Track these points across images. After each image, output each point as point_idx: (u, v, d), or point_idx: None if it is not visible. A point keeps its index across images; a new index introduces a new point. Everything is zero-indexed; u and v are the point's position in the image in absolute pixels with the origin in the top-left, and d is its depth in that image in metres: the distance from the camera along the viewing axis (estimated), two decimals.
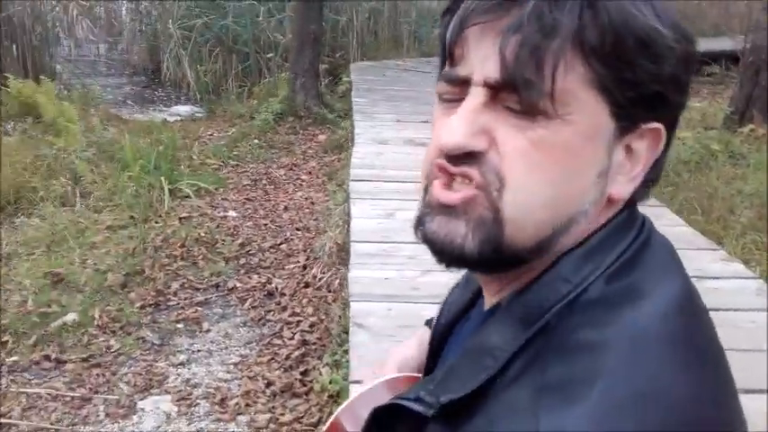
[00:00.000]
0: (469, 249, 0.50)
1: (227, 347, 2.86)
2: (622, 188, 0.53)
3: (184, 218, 4.06)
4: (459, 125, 0.50)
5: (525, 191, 0.49)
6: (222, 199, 4.47)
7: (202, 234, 3.81)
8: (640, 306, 0.49)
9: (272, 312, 3.11)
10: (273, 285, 3.32)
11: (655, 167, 0.54)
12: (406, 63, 8.38)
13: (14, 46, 6.45)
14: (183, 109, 7.31)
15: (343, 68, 8.14)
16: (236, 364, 2.72)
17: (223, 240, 3.79)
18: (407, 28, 9.82)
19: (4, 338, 2.80)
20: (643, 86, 0.50)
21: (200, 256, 3.58)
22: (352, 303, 2.27)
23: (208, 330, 2.98)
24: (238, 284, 3.35)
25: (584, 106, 0.49)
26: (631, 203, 0.55)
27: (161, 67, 8.07)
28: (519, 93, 0.48)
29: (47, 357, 2.70)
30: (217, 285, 3.35)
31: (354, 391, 0.83)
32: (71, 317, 2.95)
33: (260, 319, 3.06)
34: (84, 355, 2.72)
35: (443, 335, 0.71)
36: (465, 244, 0.50)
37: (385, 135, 4.65)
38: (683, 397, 0.46)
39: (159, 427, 2.34)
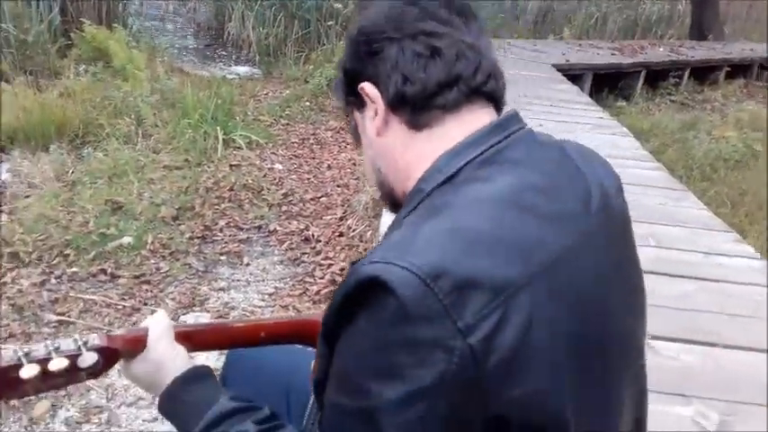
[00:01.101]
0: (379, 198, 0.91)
1: (263, 280, 3.12)
2: (374, 125, 0.86)
3: (234, 165, 4.34)
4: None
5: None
6: (271, 153, 4.74)
7: (250, 181, 4.08)
8: (483, 185, 0.74)
9: (306, 255, 3.36)
10: (310, 232, 3.57)
11: (386, 95, 0.83)
12: None
13: None
14: (242, 69, 7.60)
15: None
16: (270, 294, 2.98)
17: (268, 188, 4.05)
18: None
19: (67, 251, 3.11)
20: (343, 86, 0.90)
21: (246, 200, 3.86)
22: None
23: (248, 264, 3.25)
24: (278, 228, 3.61)
25: (355, 119, 0.91)
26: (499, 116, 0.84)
27: (225, 27, 8.36)
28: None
29: (103, 271, 3.01)
30: (259, 227, 3.62)
31: None
32: (127, 240, 3.25)
33: (295, 260, 3.32)
34: (137, 273, 3.02)
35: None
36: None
37: None
38: (477, 239, 0.69)
39: None
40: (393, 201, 0.88)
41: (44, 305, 2.72)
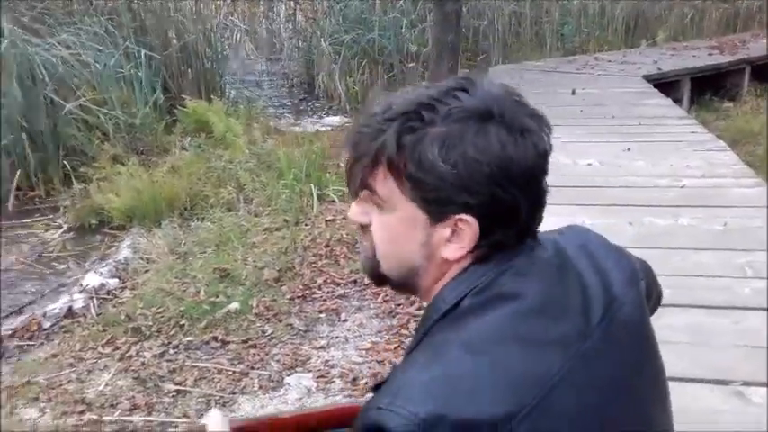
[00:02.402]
0: (368, 273, 0.93)
1: (360, 335, 3.26)
2: (453, 253, 0.83)
3: (329, 220, 4.55)
4: (352, 210, 0.90)
5: (382, 251, 0.88)
6: (351, 200, 4.91)
7: (344, 235, 4.26)
8: (477, 320, 0.79)
9: (401, 306, 3.47)
10: None
11: (489, 238, 0.82)
12: (546, 63, 8.44)
13: (189, 69, 7.35)
14: (334, 119, 7.92)
15: (484, 73, 8.37)
16: (367, 350, 3.11)
17: None
18: (550, 27, 9.84)
19: (182, 322, 3.38)
20: (433, 195, 0.81)
21: (342, 255, 4.03)
22: None
23: (345, 320, 3.40)
24: None
25: (402, 205, 0.82)
26: (501, 249, 0.84)
27: (315, 80, 8.76)
28: (365, 192, 0.86)
29: (215, 338, 3.25)
30: (355, 281, 3.77)
31: None
32: (234, 305, 3.49)
33: (390, 312, 3.44)
34: (244, 338, 3.24)
35: None
36: (364, 269, 0.94)
37: None
38: (472, 382, 0.74)
39: (301, 398, 2.78)
40: (394, 287, 0.94)
41: (164, 376, 2.98)
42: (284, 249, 4.10)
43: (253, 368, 3.01)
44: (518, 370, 0.76)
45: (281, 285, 3.74)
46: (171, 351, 3.17)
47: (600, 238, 0.97)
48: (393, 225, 0.84)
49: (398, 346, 3.09)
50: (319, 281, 3.78)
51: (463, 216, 0.80)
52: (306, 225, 4.47)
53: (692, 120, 5.46)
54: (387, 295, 3.59)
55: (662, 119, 5.30)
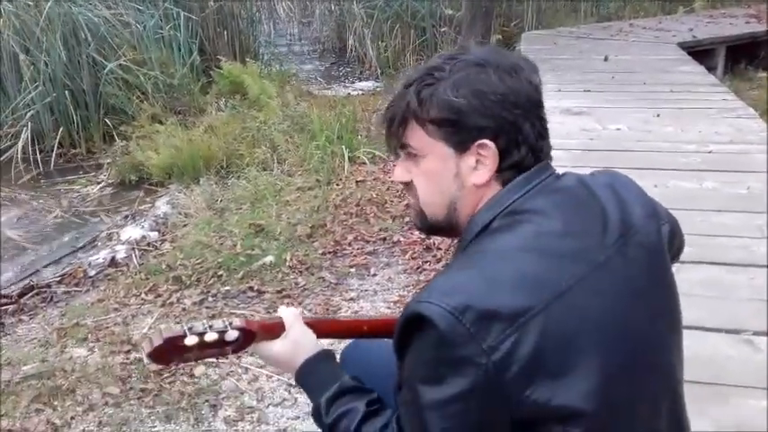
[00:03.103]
0: (419, 224, 1.11)
1: (389, 289, 3.40)
2: (481, 177, 0.99)
3: (360, 181, 4.67)
4: (395, 171, 1.07)
5: (425, 197, 1.05)
6: (393, 165, 5.01)
7: (374, 195, 4.39)
8: (508, 235, 0.94)
9: (428, 263, 3.60)
10: (431, 240, 3.80)
11: (507, 159, 0.98)
12: (580, 30, 8.38)
13: (225, 32, 7.46)
14: (366, 84, 8.00)
15: (517, 38, 8.35)
16: (395, 302, 3.25)
17: (391, 201, 4.34)
18: None
19: (220, 273, 3.56)
20: (455, 129, 0.97)
21: (372, 214, 4.16)
22: None
23: (374, 275, 3.55)
24: (402, 239, 3.87)
25: (432, 148, 0.99)
26: (524, 169, 0.99)
27: (346, 44, 8.81)
28: (401, 150, 1.03)
29: (251, 288, 3.42)
30: (384, 239, 3.90)
31: None
32: (269, 258, 3.65)
33: (418, 268, 3.57)
34: (279, 288, 3.40)
35: None
36: (417, 224, 1.12)
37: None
38: (498, 280, 0.89)
39: (332, 344, 2.92)
40: (442, 230, 1.08)
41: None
42: (316, 207, 4.25)
43: None
44: (537, 273, 0.90)
45: (313, 241, 3.89)
46: (210, 299, 3.35)
47: (628, 180, 1.10)
48: (429, 168, 1.02)
49: None
50: (350, 238, 3.92)
51: (481, 141, 0.97)
52: (337, 185, 4.60)
53: (723, 87, 5.43)
54: (414, 253, 3.72)
55: (693, 86, 5.29)
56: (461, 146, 0.98)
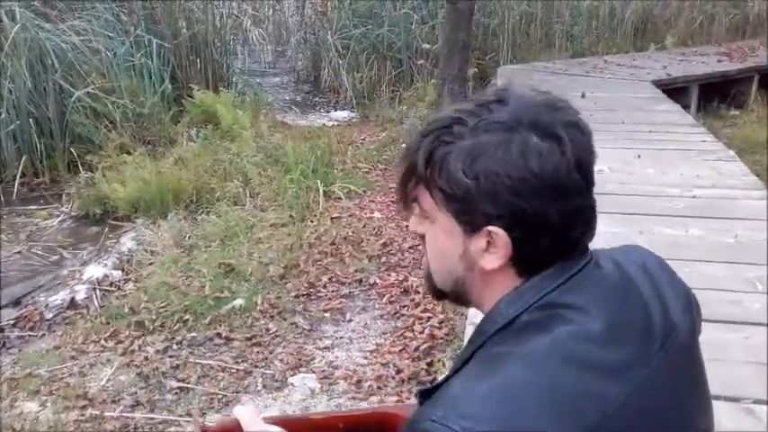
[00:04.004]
0: (429, 291, 0.96)
1: (365, 336, 3.25)
2: (490, 263, 0.83)
3: (335, 218, 4.53)
4: (411, 221, 0.92)
5: (432, 263, 0.91)
6: (369, 201, 4.90)
7: (350, 233, 4.24)
8: (539, 336, 0.77)
9: (406, 308, 3.45)
10: (410, 283, 3.66)
11: (525, 249, 0.82)
12: (555, 65, 8.40)
13: (198, 59, 7.32)
14: (341, 114, 7.90)
15: (493, 71, 8.35)
16: (371, 352, 3.09)
17: (368, 239, 4.20)
18: (560, 28, 9.79)
19: (186, 317, 3.37)
20: (463, 207, 0.83)
21: (347, 254, 4.01)
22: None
23: (350, 320, 3.39)
24: (379, 281, 3.73)
25: (439, 216, 0.85)
26: (563, 258, 0.83)
27: (321, 74, 8.72)
28: (410, 208, 0.89)
29: (218, 335, 3.24)
30: (360, 280, 3.75)
31: None
32: (239, 302, 3.48)
33: (395, 313, 3.42)
34: (248, 335, 3.22)
35: None
36: (427, 287, 0.97)
37: None
38: (527, 400, 0.73)
39: (305, 400, 2.77)
40: (451, 300, 0.95)
41: (167, 372, 2.96)
42: (290, 246, 4.09)
43: (256, 367, 2.99)
44: (571, 395, 0.75)
45: (286, 282, 3.72)
46: (174, 346, 3.16)
47: (657, 259, 0.96)
48: (437, 236, 0.87)
49: (403, 349, 3.08)
50: (324, 279, 3.76)
51: (492, 228, 0.81)
52: (311, 221, 4.45)
53: (702, 128, 5.43)
54: (392, 296, 3.58)
55: (672, 126, 5.27)
56: (469, 226, 0.83)
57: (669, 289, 0.90)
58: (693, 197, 3.65)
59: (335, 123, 7.40)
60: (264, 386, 2.85)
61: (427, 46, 7.84)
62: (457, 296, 0.91)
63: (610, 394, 0.76)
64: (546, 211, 0.81)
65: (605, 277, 0.85)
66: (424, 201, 0.86)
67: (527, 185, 0.80)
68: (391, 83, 8.16)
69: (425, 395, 0.82)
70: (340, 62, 8.31)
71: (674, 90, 7.19)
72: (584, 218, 0.84)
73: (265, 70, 9.48)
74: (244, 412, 1.05)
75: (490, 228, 0.82)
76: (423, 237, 0.90)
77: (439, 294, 0.94)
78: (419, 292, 3.57)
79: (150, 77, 6.31)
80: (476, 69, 8.06)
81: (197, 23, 7.41)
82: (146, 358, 3.06)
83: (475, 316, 2.50)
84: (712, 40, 10.65)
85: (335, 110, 8.23)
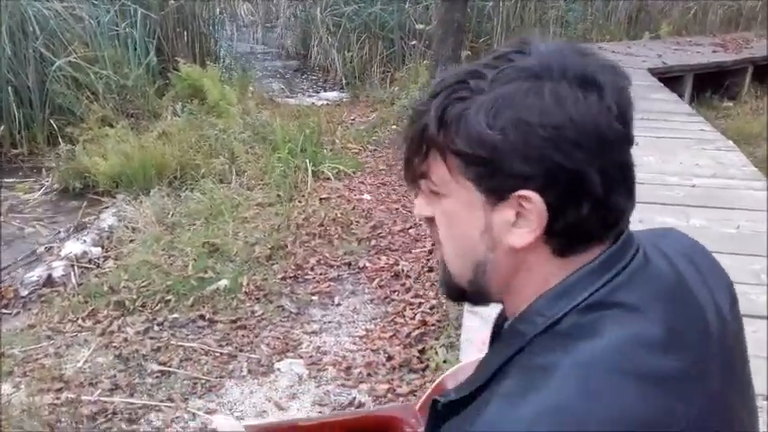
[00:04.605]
0: (444, 290, 0.80)
1: (354, 321, 3.13)
2: (520, 239, 0.69)
3: (324, 198, 4.40)
4: (416, 204, 0.78)
5: (446, 248, 0.75)
6: (359, 182, 4.77)
7: (339, 215, 4.12)
8: (591, 342, 0.64)
9: (396, 292, 3.34)
10: (400, 267, 3.55)
11: (562, 218, 0.68)
12: None
13: (185, 32, 7.11)
14: (330, 94, 7.73)
15: (486, 54, 8.20)
16: (361, 337, 2.98)
17: (357, 222, 4.07)
18: (555, 12, 9.66)
19: (168, 297, 3.23)
20: (487, 170, 0.68)
21: (336, 236, 3.89)
22: None
23: (339, 304, 3.27)
24: (368, 264, 3.61)
25: (455, 188, 0.71)
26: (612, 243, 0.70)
27: (311, 52, 8.54)
28: (422, 182, 0.74)
29: (202, 317, 3.11)
30: (349, 264, 3.64)
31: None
32: (223, 283, 3.35)
33: (385, 298, 3.31)
34: (233, 318, 3.10)
35: (492, 340, 0.88)
36: (441, 286, 0.80)
37: None
38: (590, 423, 0.60)
39: (292, 386, 2.65)
40: (470, 297, 0.79)
41: (147, 354, 2.83)
42: (277, 226, 3.96)
43: (241, 351, 2.87)
44: (642, 412, 0.63)
45: (273, 264, 3.59)
46: (155, 328, 3.03)
47: (701, 248, 0.84)
48: (450, 211, 0.72)
49: (394, 335, 2.97)
50: (312, 261, 3.64)
51: (523, 192, 0.66)
52: (299, 202, 4.32)
53: (699, 117, 5.36)
54: (382, 280, 3.47)
55: (670, 114, 5.20)
56: (495, 193, 0.68)
57: (715, 280, 0.78)
58: (693, 186, 3.57)
59: (325, 103, 7.24)
60: (250, 371, 2.74)
61: (421, 26, 7.68)
62: (478, 291, 0.75)
63: (677, 412, 0.64)
64: (586, 169, 0.66)
65: (658, 273, 0.72)
66: (436, 171, 0.71)
67: (565, 135, 0.65)
68: (383, 63, 8.00)
69: (448, 409, 0.70)
70: (330, 40, 8.13)
71: (670, 79, 7.11)
72: (627, 179, 0.70)
73: (254, 46, 9.26)
74: (224, 423, 0.95)
75: (521, 192, 0.67)
76: (431, 221, 0.75)
77: (456, 292, 0.78)
78: (410, 277, 3.46)
79: (135, 49, 6.11)
80: (468, 52, 7.93)
81: None
82: (125, 339, 2.93)
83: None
84: (706, 30, 10.59)
85: (325, 89, 8.07)
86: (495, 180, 0.67)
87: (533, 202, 0.67)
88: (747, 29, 10.86)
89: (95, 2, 6.09)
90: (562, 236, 0.69)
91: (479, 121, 0.66)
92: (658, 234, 0.84)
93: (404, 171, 0.76)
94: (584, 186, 0.67)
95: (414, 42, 7.76)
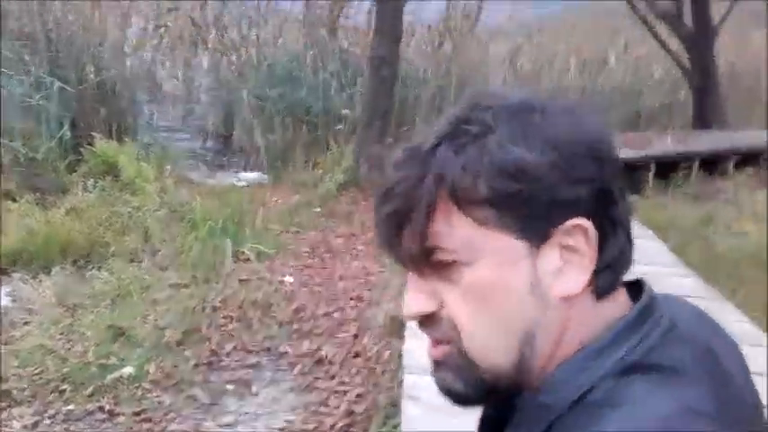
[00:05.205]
0: (462, 392, 0.61)
1: (273, 412, 2.89)
2: (573, 283, 0.57)
3: (244, 280, 4.18)
4: (408, 299, 0.61)
5: (476, 333, 0.59)
6: (281, 264, 4.59)
7: (259, 297, 3.90)
8: (633, 413, 0.52)
9: (320, 380, 3.13)
10: (324, 353, 3.35)
11: (606, 251, 0.58)
12: None
13: (103, 108, 6.89)
14: (251, 175, 7.60)
15: (407, 143, 8.34)
16: (281, 430, 2.74)
17: (278, 305, 3.87)
18: None
19: (63, 386, 2.91)
20: (529, 206, 0.56)
21: (255, 319, 3.67)
22: (405, 375, 2.29)
23: (256, 393, 3.03)
24: (289, 350, 3.40)
25: (486, 244, 0.57)
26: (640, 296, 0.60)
27: (233, 133, 8.45)
28: (426, 260, 0.59)
29: (101, 408, 2.79)
30: (269, 349, 3.41)
31: None
32: (128, 370, 3.05)
33: (308, 386, 3.09)
34: (137, 409, 2.80)
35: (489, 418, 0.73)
36: (457, 389, 0.61)
37: None
38: None
39: None
40: (504, 389, 0.61)
41: None
42: (191, 309, 3.70)
43: None
44: None
45: (185, 349, 3.32)
46: (46, 421, 2.70)
47: (703, 311, 0.74)
48: (481, 280, 0.58)
49: (316, 427, 2.74)
50: (228, 347, 3.39)
51: (576, 220, 0.57)
52: (217, 283, 4.08)
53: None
54: (304, 367, 3.25)
55: None
56: (539, 233, 0.57)
57: (731, 351, 0.68)
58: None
59: (245, 184, 7.09)
60: None
61: (346, 111, 7.76)
62: (520, 375, 0.59)
63: None
64: (615, 190, 0.59)
65: (691, 334, 0.61)
66: (452, 236, 0.57)
67: (599, 150, 0.58)
68: (306, 147, 7.97)
69: None
70: (254, 122, 8.07)
71: None
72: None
73: (173, 125, 9.07)
74: None
75: (574, 221, 0.57)
76: (431, 317, 0.60)
77: (483, 390, 0.60)
78: (334, 363, 3.26)
79: (48, 122, 5.83)
80: (391, 140, 8.05)
81: (105, 71, 7.02)
82: None
83: (413, 388, 2.23)
84: (615, 129, 11.25)
85: (245, 171, 7.93)
86: (538, 216, 0.57)
87: (585, 233, 0.57)
88: (647, 129, 11.62)
89: (10, 72, 5.83)
90: (606, 272, 0.59)
91: (510, 150, 0.56)
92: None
93: (391, 250, 0.61)
94: (618, 209, 0.59)
95: (339, 127, 7.81)
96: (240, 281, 4.16)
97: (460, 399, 0.62)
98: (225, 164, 8.30)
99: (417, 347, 2.56)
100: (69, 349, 3.16)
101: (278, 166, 7.68)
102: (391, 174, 0.60)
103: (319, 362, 3.30)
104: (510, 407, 0.65)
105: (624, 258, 0.60)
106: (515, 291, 0.57)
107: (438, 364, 0.61)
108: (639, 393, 0.53)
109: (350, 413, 2.81)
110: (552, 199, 0.56)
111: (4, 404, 2.76)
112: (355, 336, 3.53)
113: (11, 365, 2.98)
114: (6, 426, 2.62)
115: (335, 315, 3.83)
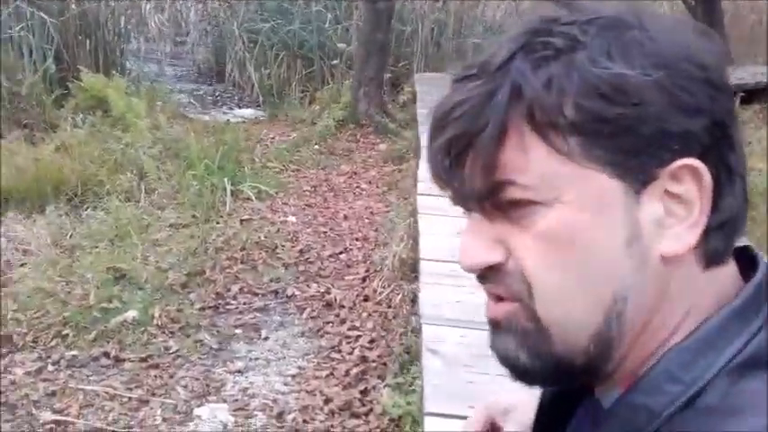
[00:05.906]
0: (526, 365, 0.49)
1: (284, 357, 2.80)
2: (678, 242, 0.45)
3: (245, 220, 4.05)
4: (466, 246, 0.49)
5: (552, 290, 0.46)
6: (282, 203, 4.45)
7: (262, 238, 3.78)
8: (755, 426, 0.40)
9: (330, 324, 3.04)
10: (332, 296, 3.25)
11: (721, 201, 0.46)
12: None
13: (88, 41, 6.57)
14: (246, 111, 7.36)
15: (405, 78, 8.11)
16: (293, 377, 2.66)
17: (282, 246, 3.75)
18: (472, 41, 9.74)
19: (65, 331, 2.80)
20: (629, 137, 0.44)
21: (260, 261, 3.55)
22: (424, 326, 2.19)
23: (266, 338, 2.93)
24: (297, 292, 3.29)
25: (570, 180, 0.45)
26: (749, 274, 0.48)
27: (225, 68, 8.15)
28: (493, 198, 0.47)
29: (106, 354, 2.69)
30: (276, 292, 3.30)
31: None
32: (131, 314, 2.94)
33: (318, 331, 3.00)
34: (143, 355, 2.70)
35: (551, 413, 0.61)
36: (520, 360, 0.49)
37: None
38: None
39: None
40: (582, 372, 0.48)
41: (39, 400, 2.40)
42: (193, 250, 3.57)
43: (154, 395, 2.48)
44: None
45: (189, 292, 3.21)
46: (50, 368, 2.59)
47: None
48: (563, 227, 0.45)
49: (330, 374, 2.66)
50: (234, 289, 3.28)
51: (687, 160, 0.44)
52: (218, 223, 3.94)
53: None
54: (313, 311, 3.16)
55: None
56: (638, 174, 0.44)
57: None
58: None
59: (241, 120, 6.86)
60: (164, 419, 2.35)
61: (342, 46, 7.47)
62: (602, 353, 0.47)
63: None
64: (732, 126, 0.47)
65: None
66: (529, 167, 0.45)
67: (712, 79, 0.45)
68: (302, 82, 7.70)
69: None
70: (247, 56, 7.77)
71: None
72: None
73: (162, 59, 8.73)
74: None
75: (684, 161, 0.44)
76: (496, 268, 0.48)
77: (557, 366, 0.48)
78: (344, 307, 3.17)
79: (30, 54, 5.54)
80: (389, 75, 7.80)
81: (87, 1, 6.67)
82: (12, 382, 2.47)
83: (433, 341, 2.13)
84: None
85: (240, 107, 7.68)
86: (640, 150, 0.44)
87: (699, 179, 0.44)
88: None
89: None
90: (718, 233, 0.46)
91: (606, 65, 0.43)
92: None
93: (448, 185, 0.49)
94: (736, 154, 0.46)
95: (335, 62, 7.53)
96: (242, 221, 4.03)
97: (523, 373, 0.49)
98: (218, 100, 8.02)
99: (435, 296, 2.46)
100: (69, 292, 3.03)
101: (273, 102, 7.43)
102: (450, 95, 0.47)
103: (328, 305, 3.20)
104: (577, 397, 0.56)
105: (740, 219, 0.47)
106: (606, 243, 0.45)
107: (498, 327, 0.50)
108: (761, 397, 0.41)
109: (363, 359, 2.73)
110: (659, 130, 0.44)
111: (4, 349, 2.65)
112: (363, 278, 3.43)
113: (9, 309, 2.86)
114: (9, 371, 2.52)
115: (342, 256, 3.72)
